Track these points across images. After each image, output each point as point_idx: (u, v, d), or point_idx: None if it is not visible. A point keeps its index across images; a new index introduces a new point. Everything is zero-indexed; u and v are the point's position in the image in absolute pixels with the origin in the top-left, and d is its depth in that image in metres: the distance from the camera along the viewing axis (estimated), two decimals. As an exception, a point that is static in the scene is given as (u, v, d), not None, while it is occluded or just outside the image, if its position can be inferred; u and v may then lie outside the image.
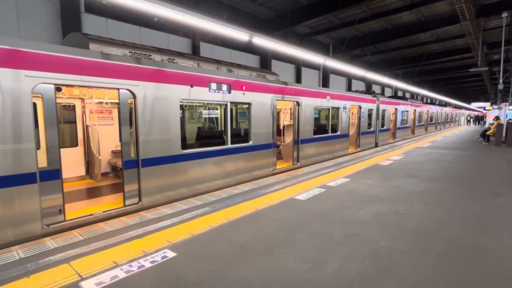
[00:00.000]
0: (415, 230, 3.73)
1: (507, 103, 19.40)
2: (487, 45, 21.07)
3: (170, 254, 3.09)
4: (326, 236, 3.53)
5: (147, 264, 2.87)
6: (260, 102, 7.09)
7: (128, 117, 4.65)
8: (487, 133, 15.50)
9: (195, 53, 12.40)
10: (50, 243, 3.39)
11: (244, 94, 6.60)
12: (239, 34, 6.78)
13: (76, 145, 6.58)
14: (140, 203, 4.77)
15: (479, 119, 37.44)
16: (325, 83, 21.27)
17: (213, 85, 5.88)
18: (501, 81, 14.72)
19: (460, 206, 4.74)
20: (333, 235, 3.56)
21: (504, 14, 12.71)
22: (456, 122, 40.58)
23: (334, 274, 2.68)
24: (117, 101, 5.34)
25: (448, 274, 2.69)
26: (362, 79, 27.18)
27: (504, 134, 13.56)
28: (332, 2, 12.72)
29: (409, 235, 3.56)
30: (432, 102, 42.44)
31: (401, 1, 13.38)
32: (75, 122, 6.54)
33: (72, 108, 6.46)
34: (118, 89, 4.44)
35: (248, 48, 15.14)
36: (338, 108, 10.61)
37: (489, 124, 21.11)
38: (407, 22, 16.16)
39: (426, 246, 3.26)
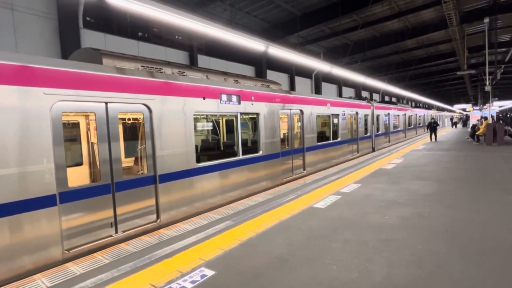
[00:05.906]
0: (446, 232, 3.73)
1: (491, 104, 20.18)
2: (468, 50, 22.05)
3: (208, 272, 2.96)
4: (361, 244, 3.48)
5: (188, 285, 2.73)
6: (268, 111, 7.09)
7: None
8: (477, 133, 15.99)
9: (193, 64, 12.38)
10: (74, 268, 3.20)
11: (252, 104, 6.59)
12: (239, 39, 6.96)
13: (81, 163, 6.33)
14: (158, 221, 4.60)
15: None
16: (317, 90, 21.62)
17: (224, 97, 5.85)
18: (487, 83, 15.35)
19: (478, 205, 4.80)
20: (367, 242, 3.51)
21: (486, 20, 13.38)
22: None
23: (385, 282, 2.63)
24: (124, 116, 5.20)
25: (496, 275, 2.68)
26: (352, 85, 27.80)
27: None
28: (325, 13, 13.08)
29: (442, 237, 3.55)
30: (417, 105, 43.65)
31: (390, 10, 13.92)
32: (77, 139, 6.29)
33: (72, 125, 6.22)
34: (134, 103, 4.33)
35: (243, 59, 15.28)
36: (337, 115, 10.75)
37: (473, 124, 21.73)
38: (395, 30, 16.77)
39: (463, 247, 3.26)
